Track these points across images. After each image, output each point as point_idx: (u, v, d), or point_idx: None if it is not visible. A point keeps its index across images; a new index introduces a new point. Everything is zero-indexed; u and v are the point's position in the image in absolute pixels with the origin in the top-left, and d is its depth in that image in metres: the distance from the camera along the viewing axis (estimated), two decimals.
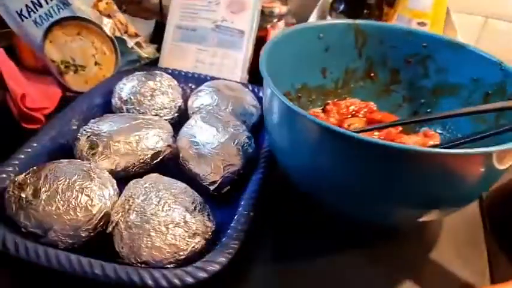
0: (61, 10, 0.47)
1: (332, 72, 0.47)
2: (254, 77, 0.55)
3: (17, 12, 0.46)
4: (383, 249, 0.35)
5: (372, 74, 0.47)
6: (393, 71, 0.46)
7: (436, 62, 0.42)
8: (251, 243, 0.31)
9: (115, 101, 0.45)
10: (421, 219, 0.32)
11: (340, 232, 0.36)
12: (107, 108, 0.47)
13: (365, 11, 0.53)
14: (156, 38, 0.61)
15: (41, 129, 0.40)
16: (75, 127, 0.42)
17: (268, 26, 0.60)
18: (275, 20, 0.61)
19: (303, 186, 0.34)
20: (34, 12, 0.46)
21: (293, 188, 0.35)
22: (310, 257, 0.34)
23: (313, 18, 0.58)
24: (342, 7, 0.54)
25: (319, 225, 0.37)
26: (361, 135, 0.26)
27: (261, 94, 0.50)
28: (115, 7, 0.51)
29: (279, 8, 0.61)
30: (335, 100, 0.47)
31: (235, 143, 0.37)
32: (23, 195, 0.30)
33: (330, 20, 0.44)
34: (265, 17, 0.59)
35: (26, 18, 0.46)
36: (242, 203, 0.34)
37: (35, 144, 0.38)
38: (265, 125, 0.37)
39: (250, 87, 0.50)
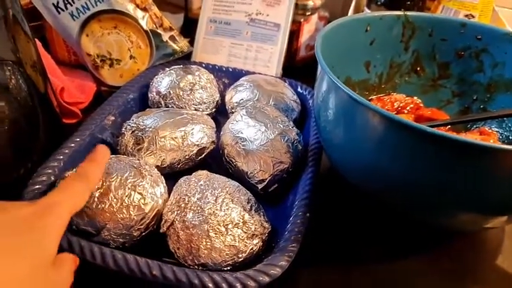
0: (98, 3, 0.46)
1: (376, 66, 0.45)
2: (286, 71, 0.53)
3: (53, 4, 0.45)
4: (445, 253, 0.34)
5: (418, 69, 0.46)
6: (442, 65, 0.44)
7: (492, 55, 0.40)
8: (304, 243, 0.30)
9: (152, 95, 0.44)
10: (487, 225, 0.31)
11: (399, 234, 0.35)
12: (143, 102, 0.46)
13: (407, 3, 0.51)
14: (184, 32, 0.60)
15: (82, 124, 0.39)
16: (112, 122, 0.41)
17: (302, 20, 0.58)
18: (308, 14, 0.59)
19: (361, 186, 0.33)
20: (71, 4, 0.45)
21: (342, 188, 0.34)
22: (366, 260, 0.33)
23: (351, 12, 0.56)
24: None
25: (375, 225, 0.36)
26: (445, 133, 0.24)
27: (299, 89, 0.49)
28: (150, 0, 0.49)
29: (313, 2, 0.59)
30: (379, 96, 0.46)
31: (285, 139, 0.36)
32: None
33: (377, 12, 0.42)
34: (299, 10, 0.57)
35: (63, 10, 0.45)
36: (296, 203, 0.32)
37: (78, 139, 0.36)
38: (317, 121, 0.35)
39: (287, 82, 0.49)
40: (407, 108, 0.44)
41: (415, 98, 0.45)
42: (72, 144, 0.36)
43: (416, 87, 0.46)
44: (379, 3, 0.52)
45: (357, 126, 0.29)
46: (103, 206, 0.29)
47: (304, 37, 0.59)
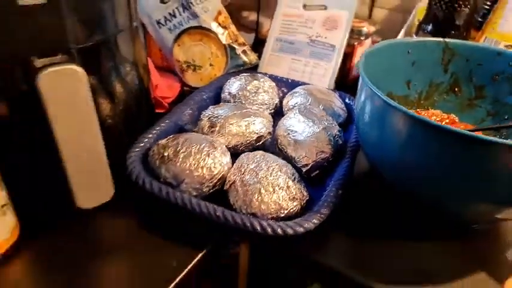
0: (190, 20, 0.58)
1: (416, 84, 0.52)
2: (339, 86, 0.62)
3: (156, 21, 0.57)
4: (459, 243, 0.39)
5: (456, 89, 0.51)
6: (478, 87, 0.49)
7: None
8: (334, 218, 0.37)
9: (224, 95, 0.55)
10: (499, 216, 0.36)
11: (417, 221, 0.41)
12: (216, 100, 0.56)
13: (452, 32, 0.57)
14: (254, 48, 0.71)
15: (169, 113, 0.50)
16: (192, 112, 0.52)
17: (356, 43, 0.66)
18: (362, 38, 0.67)
19: (389, 178, 0.40)
20: (170, 21, 0.58)
21: (374, 180, 0.40)
22: (385, 238, 0.39)
23: (400, 37, 0.63)
24: (429, 28, 0.59)
25: (398, 213, 0.42)
26: (472, 133, 0.31)
27: (347, 100, 0.57)
28: (230, 20, 0.61)
29: (367, 28, 0.67)
30: (417, 110, 0.52)
31: (328, 134, 0.44)
32: (166, 153, 0.40)
33: (420, 37, 0.49)
34: (354, 34, 0.66)
35: (163, 25, 0.58)
36: (332, 182, 0.40)
37: (168, 121, 0.48)
38: (357, 122, 0.43)
39: (337, 93, 0.57)
40: (443, 122, 0.50)
41: (452, 114, 0.51)
42: (161, 125, 0.47)
43: (453, 105, 0.52)
44: (425, 31, 0.59)
45: (388, 126, 0.36)
46: (184, 165, 0.39)
47: (357, 58, 0.67)
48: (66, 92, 0.31)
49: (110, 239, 0.38)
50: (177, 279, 0.35)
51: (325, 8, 0.62)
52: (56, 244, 0.37)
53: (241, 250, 0.50)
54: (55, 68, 0.30)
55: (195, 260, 0.37)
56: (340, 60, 0.62)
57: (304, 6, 0.63)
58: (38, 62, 0.31)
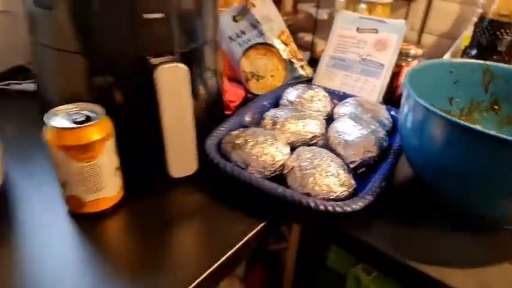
0: (257, 38, 0.67)
1: (458, 101, 0.57)
2: (385, 102, 0.68)
3: (229, 37, 0.68)
4: (488, 237, 0.44)
5: (496, 107, 0.56)
6: None
7: None
8: (377, 206, 0.44)
9: (283, 101, 0.63)
10: None
11: (451, 217, 0.46)
12: (275, 106, 0.65)
13: (494, 57, 0.62)
14: (309, 64, 0.79)
15: (235, 113, 0.59)
16: (254, 114, 0.60)
17: (403, 64, 0.73)
18: (410, 60, 0.73)
19: (427, 178, 0.46)
20: (240, 37, 0.68)
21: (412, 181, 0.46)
22: (422, 227, 0.45)
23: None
24: (473, 52, 0.65)
25: (434, 209, 0.47)
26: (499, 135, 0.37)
27: (392, 112, 0.63)
28: (291, 39, 0.70)
29: (415, 50, 0.73)
30: None
31: (375, 136, 0.51)
32: (237, 142, 0.48)
33: (462, 59, 0.55)
34: (402, 56, 0.72)
35: (234, 40, 0.68)
36: (376, 176, 0.47)
37: (234, 120, 0.56)
38: (400, 129, 0.49)
39: (385, 106, 0.63)
40: None
41: (492, 131, 0.55)
42: (230, 122, 0.56)
43: (493, 122, 0.57)
44: (469, 55, 0.65)
45: (428, 131, 0.42)
46: (252, 152, 0.47)
47: (403, 78, 0.73)
48: (173, 83, 0.40)
49: (189, 206, 0.47)
50: (239, 244, 0.43)
51: (377, 31, 0.69)
52: (149, 206, 0.46)
53: (293, 231, 0.57)
54: (167, 65, 0.40)
55: (255, 230, 0.45)
56: (388, 78, 0.69)
57: (358, 29, 0.71)
58: (154, 60, 0.41)
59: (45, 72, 0.48)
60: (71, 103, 0.42)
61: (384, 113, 0.60)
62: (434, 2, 0.84)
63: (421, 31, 0.88)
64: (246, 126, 0.58)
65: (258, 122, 0.58)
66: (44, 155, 0.42)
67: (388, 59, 0.69)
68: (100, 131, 0.40)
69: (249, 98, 0.69)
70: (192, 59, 0.46)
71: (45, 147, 0.40)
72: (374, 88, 0.68)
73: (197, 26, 0.47)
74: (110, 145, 0.41)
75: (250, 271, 0.78)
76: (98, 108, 0.41)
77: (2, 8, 0.71)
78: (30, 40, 0.47)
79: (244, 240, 0.43)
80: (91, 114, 0.40)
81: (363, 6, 0.77)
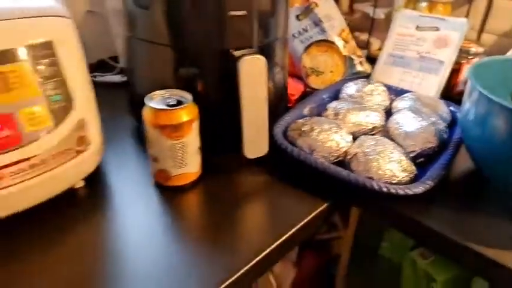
0: (319, 35, 0.71)
1: None
2: (444, 98, 0.69)
3: (293, 34, 0.72)
4: None
5: None
6: None
7: None
8: (437, 192, 0.46)
9: (343, 95, 0.67)
10: None
11: (510, 205, 0.48)
12: (334, 100, 0.68)
13: None
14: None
15: (297, 105, 0.63)
16: (313, 107, 0.64)
17: (463, 61, 0.73)
18: (470, 57, 0.74)
19: (488, 168, 0.47)
20: (302, 35, 0.72)
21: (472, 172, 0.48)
22: (481, 216, 0.47)
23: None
24: None
25: (493, 198, 0.49)
26: None
27: (451, 108, 0.64)
28: (351, 36, 0.73)
29: (476, 48, 0.74)
30: None
31: (435, 128, 0.53)
32: (303, 129, 0.53)
33: None
34: (462, 53, 0.73)
35: (296, 37, 0.72)
36: (436, 164, 0.49)
37: (297, 110, 0.61)
38: (462, 121, 0.51)
39: (443, 101, 0.65)
40: None
41: None
42: (293, 112, 0.60)
43: None
44: None
45: (491, 122, 0.44)
46: (317, 138, 0.51)
47: (463, 75, 0.74)
48: (253, 73, 0.45)
49: (257, 186, 0.52)
50: (303, 222, 0.47)
51: (437, 29, 0.71)
52: (222, 183, 0.52)
53: (351, 218, 0.60)
54: (248, 56, 0.45)
55: (319, 209, 0.49)
56: (447, 74, 0.70)
57: (417, 27, 0.73)
58: (236, 53, 0.46)
59: (138, 63, 0.55)
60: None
61: (442, 108, 0.62)
62: (496, 0, 0.83)
63: (481, 30, 0.88)
64: (305, 117, 0.62)
65: (316, 114, 0.62)
66: (132, 137, 0.49)
67: (448, 56, 0.70)
68: (188, 113, 0.46)
69: (307, 92, 0.73)
70: (266, 53, 0.51)
71: (132, 130, 0.46)
72: (432, 84, 0.70)
73: (272, 23, 0.52)
74: (195, 127, 0.47)
75: (303, 257, 0.82)
76: (187, 95, 0.47)
77: (88, 9, 0.80)
78: (126, 35, 0.54)
79: (308, 218, 0.47)
80: (181, 99, 0.46)
81: (423, 4, 0.78)
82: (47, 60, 0.39)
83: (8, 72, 0.36)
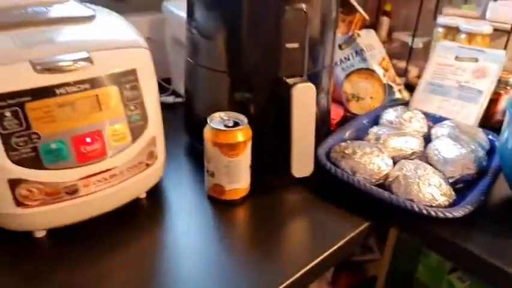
0: (360, 63, 0.76)
1: None
2: (481, 127, 0.71)
3: (335, 62, 0.77)
4: None
5: None
6: None
7: None
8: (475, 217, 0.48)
9: (382, 121, 0.70)
10: None
11: None
12: (373, 125, 0.72)
13: None
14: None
15: (338, 129, 0.68)
16: (353, 131, 0.68)
17: (502, 92, 0.75)
18: (509, 88, 0.76)
19: None
20: (344, 63, 0.77)
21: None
22: None
23: None
24: None
25: None
26: None
27: (490, 136, 0.66)
28: (390, 65, 0.77)
29: None
30: None
31: (474, 155, 0.55)
32: (346, 151, 0.57)
33: None
34: (501, 84, 0.76)
35: (338, 65, 0.77)
36: (475, 190, 0.52)
37: (337, 134, 0.65)
38: (501, 150, 0.54)
39: (482, 129, 0.67)
40: None
41: None
42: (333, 137, 0.64)
43: None
44: None
45: None
46: (360, 160, 0.55)
47: (501, 105, 0.76)
48: (304, 99, 0.50)
49: (302, 203, 0.56)
50: (343, 241, 0.50)
51: (477, 60, 0.74)
52: (269, 199, 0.56)
53: (388, 240, 0.63)
54: (301, 84, 0.50)
55: (360, 228, 0.52)
56: (486, 104, 0.72)
57: (456, 57, 0.76)
58: (289, 81, 0.51)
59: (197, 87, 0.61)
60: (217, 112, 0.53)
61: (481, 136, 0.64)
62: None
63: None
64: (345, 141, 0.66)
65: (356, 138, 0.66)
66: (186, 154, 0.54)
67: (487, 86, 0.73)
68: (244, 134, 0.51)
69: (347, 117, 0.77)
70: (314, 81, 0.55)
71: (186, 147, 0.51)
72: (471, 113, 0.72)
73: (321, 54, 0.57)
74: (249, 146, 0.52)
75: (338, 277, 0.84)
76: (242, 117, 0.52)
77: (148, 36, 0.88)
78: (188, 61, 0.60)
79: (349, 236, 0.51)
80: (237, 121, 0.52)
81: (462, 36, 0.81)
82: (130, 85, 0.45)
83: (100, 95, 0.43)
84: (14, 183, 0.41)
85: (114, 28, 0.50)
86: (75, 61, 0.43)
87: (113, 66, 0.45)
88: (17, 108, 0.40)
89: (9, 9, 0.46)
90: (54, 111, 0.42)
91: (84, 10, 0.49)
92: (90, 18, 0.48)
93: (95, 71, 0.43)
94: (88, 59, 0.43)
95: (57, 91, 0.41)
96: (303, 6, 0.50)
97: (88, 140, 0.43)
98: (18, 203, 0.42)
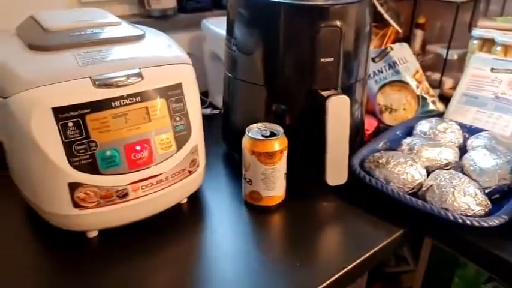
0: (393, 75, 0.77)
1: None
2: None
3: (368, 75, 0.79)
4: None
5: None
6: None
7: None
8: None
9: (416, 131, 0.71)
10: None
11: None
12: (407, 136, 0.73)
13: None
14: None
15: (372, 139, 0.69)
16: (386, 142, 0.69)
17: None
18: None
19: None
20: (377, 75, 0.78)
21: None
22: None
23: None
24: None
25: None
26: None
27: None
28: (424, 77, 0.78)
29: None
30: None
31: (510, 166, 0.55)
32: (380, 161, 0.58)
33: None
34: None
35: (372, 78, 0.79)
36: (510, 202, 0.51)
37: (370, 144, 0.66)
38: None
39: None
40: None
41: None
42: (367, 147, 0.66)
43: None
44: None
45: None
46: (394, 170, 0.56)
47: None
48: (338, 110, 0.53)
49: (336, 210, 0.58)
50: (378, 247, 0.51)
51: None
52: (304, 206, 0.58)
53: (423, 251, 0.63)
54: (335, 96, 0.52)
55: (394, 236, 0.53)
56: None
57: (492, 69, 0.76)
58: (324, 93, 0.54)
59: (235, 99, 0.65)
60: (254, 123, 0.56)
61: None
62: None
63: None
64: (379, 151, 0.68)
65: (389, 148, 0.67)
66: (223, 163, 0.57)
67: None
68: (280, 144, 0.53)
69: (380, 128, 0.78)
70: (348, 93, 0.58)
71: (223, 156, 0.54)
72: (508, 124, 0.72)
73: (354, 67, 0.59)
74: (284, 155, 0.55)
75: (371, 287, 0.84)
76: (279, 128, 0.55)
77: (187, 51, 0.94)
78: (228, 76, 0.64)
79: (384, 243, 0.52)
80: (274, 131, 0.54)
81: (498, 48, 0.81)
82: (176, 98, 0.49)
83: (150, 107, 0.47)
84: (73, 187, 0.46)
85: (161, 46, 0.54)
86: (128, 76, 0.47)
87: (161, 80, 0.49)
88: (79, 119, 0.44)
89: (71, 30, 0.51)
90: (109, 122, 0.46)
91: (135, 30, 0.54)
92: (140, 37, 0.53)
93: (145, 85, 0.48)
94: (139, 75, 0.48)
95: (113, 104, 0.46)
96: (338, 23, 0.52)
97: (138, 148, 0.48)
98: (76, 205, 0.47)
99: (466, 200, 0.50)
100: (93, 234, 0.51)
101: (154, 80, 0.48)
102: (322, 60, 0.54)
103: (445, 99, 0.81)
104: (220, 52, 0.71)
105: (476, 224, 0.47)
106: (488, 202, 0.51)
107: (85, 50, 0.48)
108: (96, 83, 0.45)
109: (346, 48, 0.55)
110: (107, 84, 0.46)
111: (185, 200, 0.58)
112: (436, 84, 0.99)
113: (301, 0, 0.54)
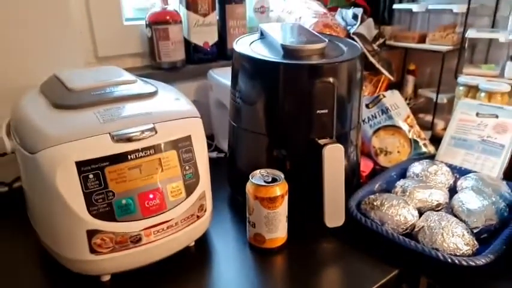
0: (386, 120, 0.83)
1: None
2: (505, 179, 0.75)
3: (362, 120, 0.84)
4: None
5: None
6: None
7: None
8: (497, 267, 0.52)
9: (410, 173, 0.75)
10: None
11: None
12: (401, 177, 0.77)
13: None
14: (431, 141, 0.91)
15: (369, 181, 0.73)
16: (382, 184, 0.73)
17: None
18: None
19: None
20: (371, 120, 0.84)
21: None
22: None
23: None
24: None
25: None
26: None
27: None
28: (415, 122, 0.84)
29: None
30: None
31: (495, 207, 0.59)
32: (375, 203, 0.62)
33: None
34: None
35: (366, 123, 0.84)
36: (497, 240, 0.55)
37: (367, 186, 0.71)
38: None
39: (505, 181, 0.71)
40: None
41: None
42: (363, 189, 0.70)
43: None
44: None
45: None
46: (388, 212, 0.60)
47: None
48: (334, 157, 0.57)
49: (334, 251, 0.61)
50: (377, 285, 0.55)
51: (497, 116, 0.79)
52: (304, 247, 0.61)
53: (421, 284, 0.66)
54: (330, 145, 0.57)
55: (390, 275, 0.56)
56: (508, 157, 0.76)
57: (477, 114, 0.81)
58: (320, 142, 0.59)
59: (239, 146, 0.70)
60: (256, 169, 0.61)
61: (504, 188, 0.68)
62: None
63: None
64: (375, 192, 0.72)
65: (385, 190, 0.71)
66: (228, 206, 0.60)
67: (508, 140, 0.77)
68: (281, 189, 0.58)
69: (376, 170, 0.83)
70: (343, 140, 0.63)
71: (228, 200, 0.58)
72: (495, 166, 0.76)
73: (348, 117, 0.64)
74: (286, 199, 0.59)
75: None
76: (280, 173, 0.60)
77: (193, 98, 1.00)
78: (232, 125, 0.70)
79: (381, 282, 0.55)
80: (275, 177, 0.59)
81: (482, 94, 0.87)
82: (185, 149, 0.54)
83: (162, 158, 0.52)
84: (91, 234, 0.50)
85: (172, 101, 0.60)
86: (143, 131, 0.52)
87: (173, 134, 0.54)
88: (99, 171, 0.49)
89: (92, 90, 0.57)
90: (125, 173, 0.51)
91: (149, 87, 0.60)
92: (153, 94, 0.59)
93: (158, 139, 0.53)
94: (153, 129, 0.53)
95: (129, 156, 0.51)
96: (331, 79, 0.58)
97: (151, 196, 0.52)
98: (92, 250, 0.51)
99: (454, 241, 0.54)
100: (106, 278, 0.54)
101: (166, 134, 0.54)
102: (318, 111, 0.59)
103: (438, 140, 0.86)
104: (225, 100, 0.77)
105: (464, 263, 0.51)
106: (475, 242, 0.55)
107: (105, 108, 0.54)
108: (115, 138, 0.51)
109: (339, 100, 0.61)
110: (124, 139, 0.51)
111: (193, 243, 0.62)
112: (429, 126, 1.05)
113: (298, 60, 0.60)
